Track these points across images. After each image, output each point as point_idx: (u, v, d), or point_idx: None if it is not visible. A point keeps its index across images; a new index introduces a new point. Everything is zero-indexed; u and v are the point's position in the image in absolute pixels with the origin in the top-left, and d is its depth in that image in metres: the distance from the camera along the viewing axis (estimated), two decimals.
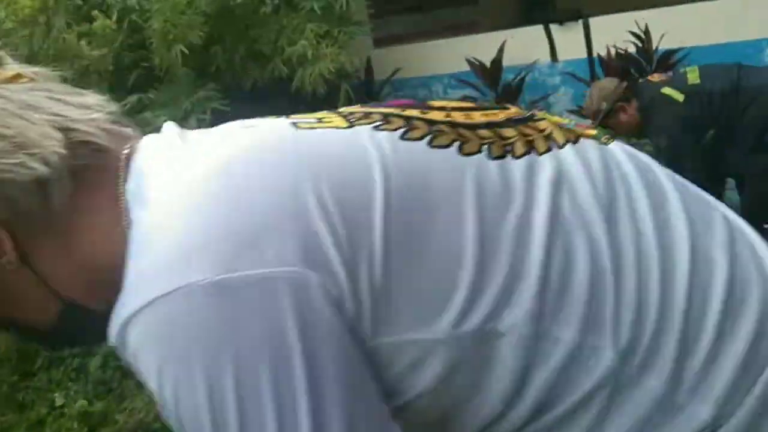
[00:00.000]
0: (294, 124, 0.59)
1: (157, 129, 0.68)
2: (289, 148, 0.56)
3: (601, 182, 0.58)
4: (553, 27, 4.09)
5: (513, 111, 0.65)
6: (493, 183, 0.55)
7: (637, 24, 3.61)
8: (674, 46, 3.52)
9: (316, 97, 3.67)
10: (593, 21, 3.91)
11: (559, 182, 0.56)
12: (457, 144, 0.57)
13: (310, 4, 3.69)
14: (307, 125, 0.58)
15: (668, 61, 3.51)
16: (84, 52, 2.69)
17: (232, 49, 3.73)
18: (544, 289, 0.52)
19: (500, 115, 0.63)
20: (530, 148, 0.59)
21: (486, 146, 0.57)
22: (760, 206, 2.63)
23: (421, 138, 0.57)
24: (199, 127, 3.52)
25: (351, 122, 0.59)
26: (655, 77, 2.92)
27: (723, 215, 0.62)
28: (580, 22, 3.93)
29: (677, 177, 0.66)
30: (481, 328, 0.50)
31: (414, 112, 0.60)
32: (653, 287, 0.54)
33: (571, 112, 3.87)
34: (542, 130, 0.61)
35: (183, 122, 3.55)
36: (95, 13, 3.02)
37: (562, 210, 0.55)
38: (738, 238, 0.60)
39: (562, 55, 4.11)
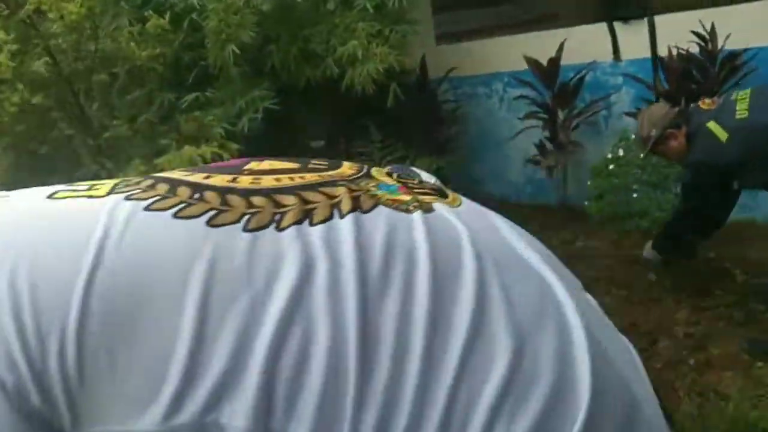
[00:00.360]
0: (51, 195, 0.55)
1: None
2: (8, 225, 0.53)
3: (376, 257, 0.52)
4: (617, 25, 3.92)
5: (346, 168, 0.62)
6: (234, 260, 0.50)
7: (701, 23, 3.40)
8: (740, 47, 3.29)
9: (367, 97, 3.70)
10: (658, 19, 3.71)
11: (312, 258, 0.50)
12: (210, 214, 0.52)
13: (363, 2, 3.71)
14: (68, 194, 0.55)
15: (733, 62, 3.29)
16: (135, 53, 2.83)
17: (286, 49, 3.80)
18: (272, 381, 0.47)
19: (326, 176, 0.60)
20: (305, 216, 0.54)
21: (247, 216, 0.52)
22: None
23: (169, 208, 0.52)
24: (250, 126, 3.67)
25: (116, 190, 0.55)
26: (706, 103, 2.76)
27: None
28: (645, 20, 3.74)
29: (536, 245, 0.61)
30: (199, 420, 0.46)
31: (199, 177, 0.57)
32: (411, 375, 0.48)
33: (630, 114, 3.71)
34: (333, 197, 0.56)
35: (236, 120, 3.69)
36: (149, 13, 3.16)
37: (310, 290, 0.49)
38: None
39: (625, 55, 3.94)
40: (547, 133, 4.07)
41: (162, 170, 2.98)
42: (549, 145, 4.07)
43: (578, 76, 3.94)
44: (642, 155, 2.89)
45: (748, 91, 2.67)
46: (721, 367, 2.58)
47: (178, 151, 2.83)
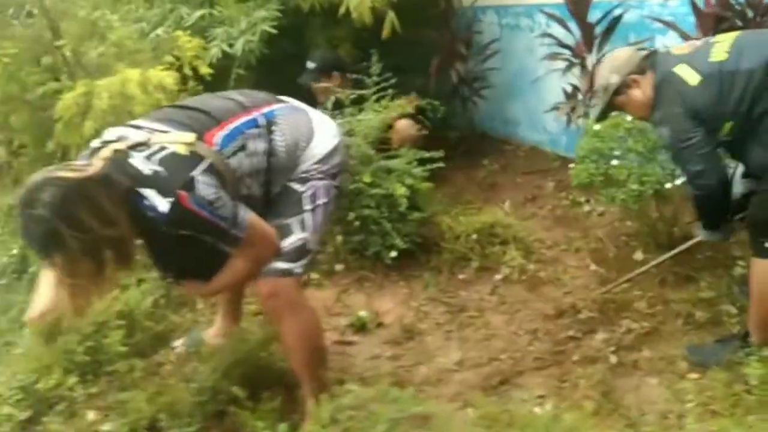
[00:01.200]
0: None
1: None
2: None
3: None
4: None
5: None
6: None
7: None
8: None
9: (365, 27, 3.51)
10: None
11: None
12: None
13: None
14: None
15: None
16: None
17: None
18: None
19: None
20: None
21: None
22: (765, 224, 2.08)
23: None
24: (247, 47, 3.61)
25: None
26: (680, 48, 2.30)
27: None
28: None
29: None
30: None
31: None
32: None
33: None
34: None
35: (234, 41, 3.63)
36: None
37: None
38: None
39: None
40: (571, 79, 3.66)
41: (96, 92, 3.14)
42: (573, 91, 3.67)
43: (612, 15, 3.46)
44: (598, 110, 2.48)
45: (734, 33, 2.22)
46: (648, 370, 2.32)
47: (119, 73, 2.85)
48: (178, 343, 2.60)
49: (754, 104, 2.06)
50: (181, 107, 1.92)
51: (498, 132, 4.78)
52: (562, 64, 3.66)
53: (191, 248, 1.83)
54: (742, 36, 2.20)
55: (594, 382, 2.25)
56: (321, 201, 2.01)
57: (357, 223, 3.04)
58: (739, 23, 2.91)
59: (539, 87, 4.17)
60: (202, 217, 1.68)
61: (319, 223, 2.01)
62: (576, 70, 3.64)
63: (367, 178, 3.02)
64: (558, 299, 2.80)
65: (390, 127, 3.55)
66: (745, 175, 2.28)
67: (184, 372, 2.33)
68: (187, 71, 3.51)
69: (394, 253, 3.02)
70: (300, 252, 1.97)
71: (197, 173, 1.68)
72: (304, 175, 2.00)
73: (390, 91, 3.39)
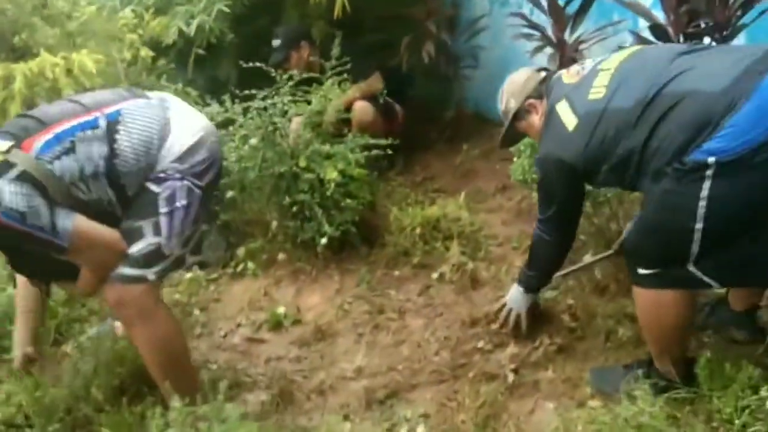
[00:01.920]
0: None
1: None
2: None
3: None
4: None
5: None
6: None
7: None
8: None
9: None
10: None
11: None
12: None
13: None
14: None
15: None
16: None
17: None
18: None
19: None
20: None
21: None
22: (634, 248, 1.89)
23: None
24: (204, 29, 3.52)
25: None
26: (571, 72, 2.06)
27: None
28: None
29: None
30: None
31: None
32: None
33: None
34: None
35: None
36: None
37: None
38: None
39: None
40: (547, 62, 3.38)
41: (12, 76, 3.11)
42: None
43: None
44: (501, 139, 2.33)
45: (622, 55, 1.96)
46: (548, 393, 2.14)
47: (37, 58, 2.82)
48: (93, 331, 2.61)
49: (618, 143, 1.82)
50: (23, 114, 1.88)
51: (492, 113, 4.53)
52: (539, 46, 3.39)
53: (32, 255, 1.79)
54: (629, 62, 1.92)
55: (481, 403, 2.10)
56: (180, 203, 1.93)
57: (294, 208, 2.95)
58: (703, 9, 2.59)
59: (530, 66, 3.89)
60: (15, 229, 1.63)
61: (177, 227, 1.93)
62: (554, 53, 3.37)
63: (302, 162, 2.91)
64: (485, 304, 2.62)
65: (348, 110, 3.42)
66: None
67: (69, 368, 2.33)
68: (144, 53, 3.48)
69: (324, 240, 2.91)
70: (153, 257, 1.89)
71: (3, 183, 1.62)
72: (161, 175, 1.92)
73: (345, 75, 3.24)
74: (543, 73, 2.24)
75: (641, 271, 1.83)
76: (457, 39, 4.14)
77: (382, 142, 3.08)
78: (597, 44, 3.26)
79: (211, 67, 4.05)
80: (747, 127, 1.60)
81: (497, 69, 4.29)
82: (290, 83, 2.95)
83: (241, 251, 3.08)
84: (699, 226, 1.68)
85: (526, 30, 3.34)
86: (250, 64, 3.02)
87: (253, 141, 2.86)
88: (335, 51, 3.27)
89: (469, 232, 3.04)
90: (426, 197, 3.54)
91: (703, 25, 2.68)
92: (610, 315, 2.38)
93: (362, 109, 3.54)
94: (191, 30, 3.44)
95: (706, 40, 2.73)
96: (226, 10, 3.44)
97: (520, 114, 2.20)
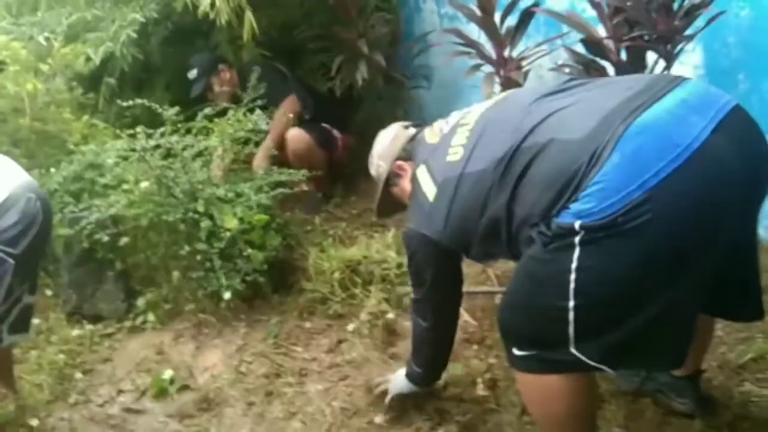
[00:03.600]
0: None
1: None
2: None
3: None
4: None
5: None
6: None
7: None
8: None
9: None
10: None
11: None
12: None
13: None
14: None
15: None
16: None
17: None
18: None
19: None
20: None
21: None
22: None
23: None
24: (112, 55, 3.25)
25: None
26: (434, 134, 1.75)
27: None
28: None
29: None
30: None
31: None
32: None
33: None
34: None
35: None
36: None
37: None
38: None
39: None
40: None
41: None
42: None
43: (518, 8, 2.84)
44: (376, 209, 2.02)
45: (486, 104, 1.66)
46: None
47: None
48: None
49: (482, 213, 1.50)
50: None
51: None
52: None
53: None
54: (490, 112, 1.61)
55: None
56: None
57: (198, 257, 2.64)
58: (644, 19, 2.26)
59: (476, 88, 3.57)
60: None
61: None
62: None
63: (200, 207, 2.60)
64: (398, 363, 2.29)
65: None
66: None
67: None
68: (59, 83, 3.22)
69: (227, 295, 2.59)
70: None
71: None
72: None
73: (258, 101, 2.95)
74: (412, 130, 1.92)
75: (517, 352, 1.48)
76: (405, 58, 3.82)
77: (296, 176, 2.78)
78: (541, 60, 2.94)
79: (146, 95, 3.78)
80: (616, 184, 1.26)
81: (451, 89, 3.97)
82: (180, 120, 2.66)
83: (141, 301, 2.77)
84: (571, 303, 1.34)
85: (462, 48, 3.02)
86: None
87: (145, 184, 2.56)
88: (252, 77, 2.99)
89: (394, 275, 2.71)
90: (363, 231, 3.22)
91: (646, 38, 2.36)
92: None
93: (295, 138, 3.24)
94: (97, 58, 3.15)
95: (650, 54, 2.41)
96: (133, 35, 3.14)
97: (391, 179, 1.90)
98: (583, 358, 1.39)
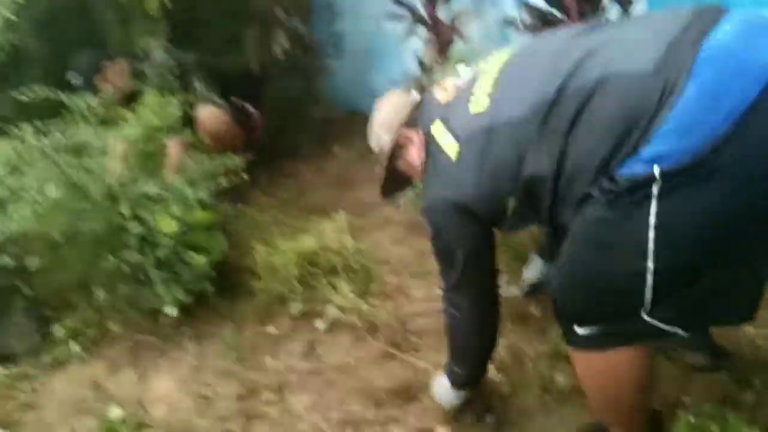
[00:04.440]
0: None
1: None
2: None
3: None
4: None
5: None
6: None
7: None
8: None
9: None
10: None
11: None
12: None
13: None
14: None
15: None
16: None
17: None
18: None
19: None
20: None
21: None
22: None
23: None
24: None
25: None
26: (445, 89, 1.54)
27: None
28: None
29: None
30: None
31: None
32: None
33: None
34: None
35: None
36: None
37: None
38: None
39: None
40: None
41: None
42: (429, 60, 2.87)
43: None
44: (381, 188, 1.75)
45: (506, 52, 1.45)
46: None
47: None
48: None
49: (520, 168, 1.31)
50: None
51: (363, 108, 3.95)
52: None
53: None
54: (516, 59, 1.41)
55: None
56: None
57: (127, 269, 2.23)
58: None
59: (401, 53, 3.35)
60: None
61: None
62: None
63: (125, 210, 2.19)
64: (392, 359, 2.06)
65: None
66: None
67: None
68: None
69: (171, 310, 2.23)
70: None
71: None
72: None
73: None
74: (417, 94, 1.69)
75: (579, 330, 1.32)
76: (315, 26, 3.51)
77: (232, 163, 2.42)
78: (478, 22, 2.78)
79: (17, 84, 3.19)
80: (698, 117, 1.09)
81: (364, 57, 3.73)
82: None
83: (59, 330, 2.32)
84: (650, 265, 1.18)
85: (393, 9, 2.78)
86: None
87: (53, 192, 2.11)
88: (157, 54, 2.57)
89: (356, 262, 2.46)
90: (299, 219, 2.92)
91: None
92: (542, 355, 1.89)
93: (209, 117, 2.84)
94: None
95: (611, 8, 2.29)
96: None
97: (396, 152, 1.65)
98: (657, 324, 1.25)
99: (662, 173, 1.11)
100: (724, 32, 1.12)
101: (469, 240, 1.47)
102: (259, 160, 3.34)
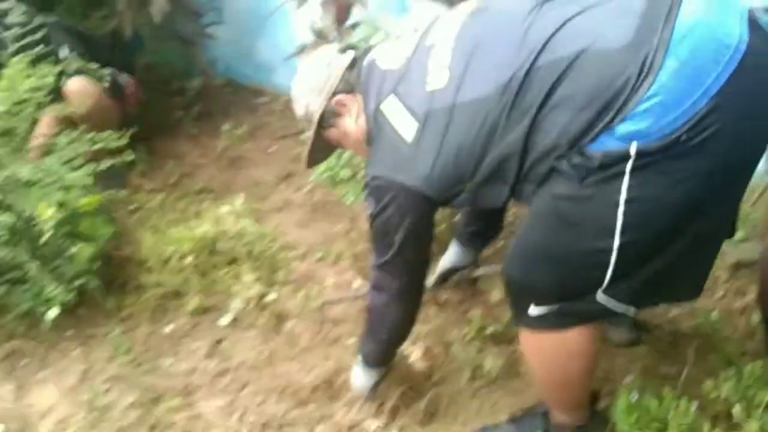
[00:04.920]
0: None
1: None
2: None
3: None
4: None
5: None
6: None
7: None
8: None
9: None
10: None
11: None
12: None
13: None
14: None
15: None
16: None
17: None
18: None
19: None
20: None
21: None
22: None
23: None
24: None
25: None
26: (389, 55, 1.41)
27: None
28: None
29: None
30: None
31: None
32: None
33: None
34: None
35: None
36: None
37: None
38: None
39: None
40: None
41: None
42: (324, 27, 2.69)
43: None
44: (306, 157, 1.60)
45: (455, 17, 1.35)
46: None
47: None
48: None
49: (485, 150, 1.23)
50: None
51: (249, 79, 3.70)
52: None
53: None
54: (471, 26, 1.30)
55: None
56: None
57: None
58: None
59: (291, 18, 3.14)
60: None
61: None
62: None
63: None
64: (309, 352, 1.93)
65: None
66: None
67: None
68: None
69: (53, 312, 1.95)
70: None
71: None
72: None
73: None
74: (349, 55, 1.52)
75: (533, 311, 1.28)
76: None
77: (114, 141, 2.14)
78: None
79: None
80: (677, 95, 1.06)
81: (248, 23, 3.47)
82: None
83: None
84: (616, 243, 1.15)
85: None
86: None
87: None
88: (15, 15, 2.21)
89: (259, 248, 2.28)
90: (190, 203, 2.67)
91: None
92: (468, 340, 1.85)
93: (78, 91, 2.49)
94: None
95: None
96: None
97: (327, 118, 1.50)
98: (611, 302, 1.24)
99: (638, 151, 1.08)
100: (691, 7, 1.09)
101: (413, 223, 1.37)
102: (137, 138, 3.04)
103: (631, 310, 1.28)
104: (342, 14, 2.60)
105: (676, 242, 1.18)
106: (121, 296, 2.16)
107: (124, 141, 2.17)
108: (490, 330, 1.84)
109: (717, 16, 1.09)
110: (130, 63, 3.02)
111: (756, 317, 1.77)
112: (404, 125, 1.30)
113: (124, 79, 2.86)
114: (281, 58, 3.34)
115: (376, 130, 1.38)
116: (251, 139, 3.18)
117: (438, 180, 1.29)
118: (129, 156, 2.18)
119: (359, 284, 2.15)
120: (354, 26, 2.65)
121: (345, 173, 2.09)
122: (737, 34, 1.08)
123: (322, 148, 1.59)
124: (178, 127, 3.29)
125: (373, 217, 1.41)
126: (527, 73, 1.16)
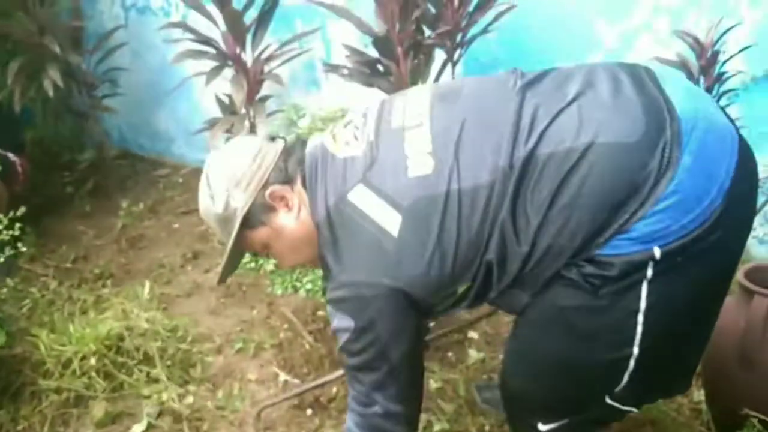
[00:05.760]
0: None
1: None
2: None
3: None
4: None
5: None
6: None
7: None
8: None
9: None
10: None
11: None
12: None
13: None
14: None
15: None
16: None
17: None
18: None
19: None
20: None
21: None
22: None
23: None
24: None
25: None
26: (343, 139, 1.25)
27: None
28: None
29: None
30: None
31: None
32: None
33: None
34: None
35: None
36: None
37: None
38: None
39: None
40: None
41: None
42: (231, 101, 2.62)
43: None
44: (223, 263, 1.36)
45: (421, 96, 1.22)
46: None
47: None
48: None
49: (486, 246, 1.12)
50: None
51: (146, 150, 3.53)
52: (209, 65, 2.56)
53: None
54: (444, 108, 1.18)
55: None
56: None
57: None
58: (433, 10, 2.13)
59: (192, 91, 3.04)
60: None
61: None
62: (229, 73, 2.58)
63: None
64: None
65: None
66: None
67: None
68: None
69: None
70: None
71: None
72: None
73: None
74: (280, 142, 1.31)
75: (542, 428, 1.24)
76: (88, 60, 3.02)
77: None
78: (288, 64, 2.61)
79: None
80: (696, 191, 1.02)
81: (145, 94, 3.33)
82: None
83: None
84: (634, 351, 1.11)
85: (194, 45, 2.49)
86: None
87: None
88: None
89: (172, 344, 2.11)
90: (89, 292, 2.45)
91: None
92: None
93: None
94: None
95: (439, 53, 2.28)
96: None
97: (255, 216, 1.26)
98: (617, 406, 1.23)
99: (662, 254, 1.02)
100: (677, 97, 1.07)
101: (409, 334, 1.20)
102: (25, 219, 2.78)
103: (634, 410, 1.28)
104: (253, 89, 2.56)
105: (691, 342, 1.18)
106: (16, 405, 1.91)
107: (15, 230, 1.96)
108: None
109: (702, 104, 1.09)
110: (20, 139, 2.79)
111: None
112: (383, 216, 1.13)
113: (11, 157, 2.63)
114: (182, 129, 3.23)
115: (339, 226, 1.19)
116: (152, 216, 3.00)
117: (431, 280, 1.13)
118: (19, 244, 1.97)
119: (285, 378, 2.03)
120: (263, 100, 2.61)
121: (270, 264, 1.99)
122: (727, 121, 1.09)
123: (238, 254, 1.37)
124: (69, 205, 3.06)
125: (359, 335, 1.18)
126: (525, 163, 1.06)
